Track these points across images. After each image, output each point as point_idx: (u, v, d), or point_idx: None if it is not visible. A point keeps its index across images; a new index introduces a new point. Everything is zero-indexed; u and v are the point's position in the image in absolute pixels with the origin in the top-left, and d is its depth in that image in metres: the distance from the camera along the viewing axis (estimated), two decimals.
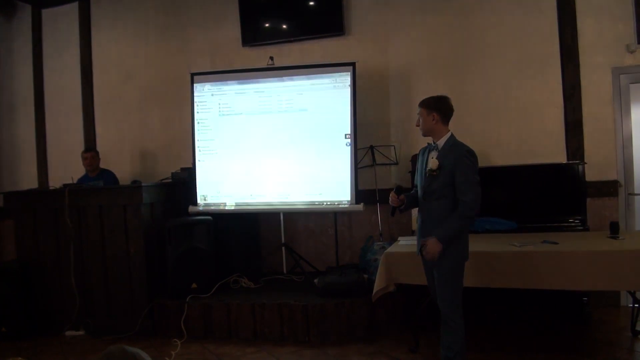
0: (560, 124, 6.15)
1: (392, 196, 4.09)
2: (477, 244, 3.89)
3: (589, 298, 5.49)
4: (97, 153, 6.94)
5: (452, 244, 3.85)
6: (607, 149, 6.03)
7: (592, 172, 5.95)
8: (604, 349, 4.86)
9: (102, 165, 6.95)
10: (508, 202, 5.89)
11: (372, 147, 6.36)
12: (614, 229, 5.01)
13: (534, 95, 6.21)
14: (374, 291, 4.74)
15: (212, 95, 6.42)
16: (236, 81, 6.36)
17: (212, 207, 6.36)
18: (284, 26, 6.81)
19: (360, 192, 6.10)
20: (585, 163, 5.86)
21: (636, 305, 5.09)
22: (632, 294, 5.06)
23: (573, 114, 6.08)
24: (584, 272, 4.37)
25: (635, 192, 6.00)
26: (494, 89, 6.32)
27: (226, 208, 6.36)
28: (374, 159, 6.37)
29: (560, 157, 6.12)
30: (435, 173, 3.90)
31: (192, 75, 6.51)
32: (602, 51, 6.01)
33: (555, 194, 5.82)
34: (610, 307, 5.94)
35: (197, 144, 6.44)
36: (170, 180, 6.65)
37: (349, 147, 6.05)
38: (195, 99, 6.48)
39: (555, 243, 4.71)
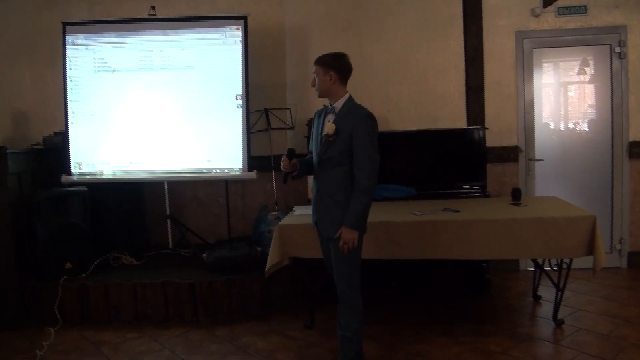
0: (461, 88, 6.04)
1: (283, 161, 3.67)
2: (376, 214, 3.62)
3: (488, 264, 5.47)
4: None
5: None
6: (508, 115, 5.98)
7: (493, 138, 5.87)
8: (507, 316, 4.85)
9: None
10: (407, 168, 5.76)
11: (266, 110, 5.93)
12: (516, 196, 4.98)
13: (435, 58, 6.04)
14: (267, 266, 4.39)
15: (87, 48, 5.68)
16: (114, 33, 5.65)
17: (88, 176, 5.69)
18: None
19: (253, 159, 5.65)
20: (487, 128, 5.73)
21: (537, 270, 5.08)
22: (534, 260, 4.99)
23: (475, 78, 5.97)
24: (488, 241, 4.30)
25: (536, 157, 5.93)
26: (393, 51, 6.07)
27: (103, 177, 5.70)
28: (268, 123, 5.93)
29: (461, 122, 6.02)
30: (331, 138, 3.53)
31: (64, 25, 5.72)
32: (506, 14, 5.91)
33: (455, 159, 5.74)
34: (509, 272, 5.98)
35: (69, 104, 5.70)
36: (42, 146, 5.89)
37: (241, 110, 5.57)
38: (68, 53, 5.70)
39: (457, 211, 4.60)
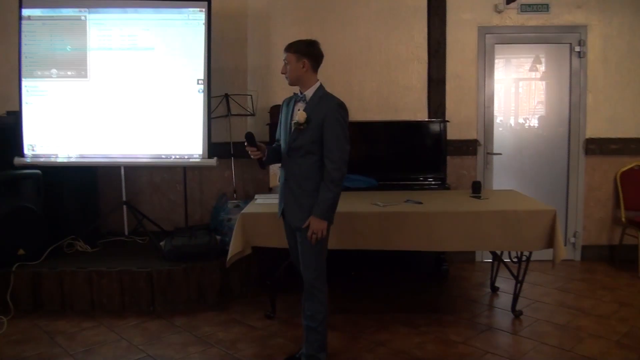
0: (423, 80, 6.05)
1: (249, 149, 3.54)
2: (339, 204, 3.58)
3: (446, 254, 5.57)
4: None
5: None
6: (468, 108, 6.03)
7: (453, 131, 5.91)
8: (466, 306, 4.90)
9: None
10: (368, 158, 5.76)
11: (227, 96, 5.82)
12: (476, 188, 5.02)
13: (398, 48, 6.03)
14: (229, 256, 4.31)
15: (43, 24, 5.43)
16: (72, 9, 5.42)
17: (42, 159, 5.45)
18: None
19: (212, 145, 5.52)
20: (448, 121, 5.75)
21: (495, 261, 5.16)
22: (493, 252, 5.05)
23: (437, 71, 5.99)
24: (450, 233, 4.32)
25: (495, 151, 6.01)
26: (357, 40, 6.04)
27: (58, 160, 5.47)
28: (228, 109, 5.83)
29: (422, 114, 6.03)
30: (302, 127, 3.45)
31: None
32: (469, 9, 5.95)
33: (416, 151, 5.77)
34: (466, 262, 6.08)
35: (24, 82, 5.46)
36: None
37: (202, 95, 5.43)
38: (23, 28, 5.44)
39: (420, 203, 4.60)
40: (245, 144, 3.53)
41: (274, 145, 3.78)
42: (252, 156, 3.57)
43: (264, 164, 3.69)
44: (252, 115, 5.91)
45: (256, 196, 5.00)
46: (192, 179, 6.15)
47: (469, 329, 4.36)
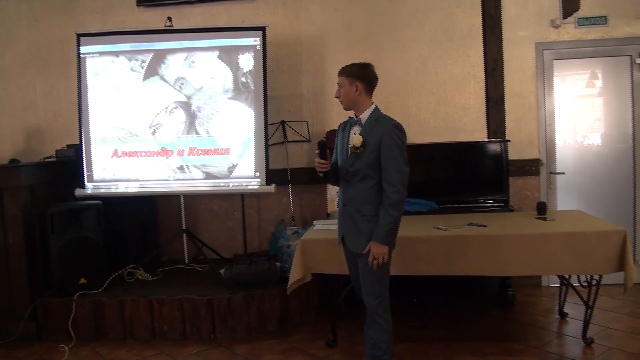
0: (481, 100, 5.93)
1: (318, 161, 3.46)
2: (400, 228, 3.50)
3: (511, 279, 5.37)
4: None
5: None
6: (528, 127, 5.87)
7: (513, 150, 5.73)
8: (534, 334, 4.71)
9: None
10: (427, 181, 5.68)
11: (283, 123, 5.84)
12: (541, 210, 4.87)
13: (454, 69, 5.93)
14: (290, 283, 4.29)
15: (101, 59, 5.56)
16: (129, 44, 5.55)
17: (102, 190, 5.57)
18: None
19: (270, 172, 5.52)
20: (509, 141, 5.61)
21: (563, 286, 4.97)
22: (560, 276, 4.86)
23: (495, 90, 5.85)
24: (517, 257, 4.17)
25: (557, 170, 5.82)
26: (412, 62, 5.97)
27: (118, 191, 5.58)
28: (285, 136, 5.85)
29: (481, 134, 5.90)
30: (358, 151, 3.41)
31: (78, 36, 5.61)
32: (526, 25, 5.81)
33: (476, 172, 5.64)
34: (532, 287, 5.85)
35: (83, 115, 5.59)
36: (55, 159, 5.78)
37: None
38: (82, 64, 5.59)
39: (484, 226, 4.46)
40: (317, 152, 3.48)
41: (332, 163, 3.71)
42: (317, 167, 3.50)
43: (327, 178, 3.62)
44: (308, 141, 5.93)
45: (315, 222, 4.97)
46: (250, 206, 6.17)
47: (540, 358, 4.18)
